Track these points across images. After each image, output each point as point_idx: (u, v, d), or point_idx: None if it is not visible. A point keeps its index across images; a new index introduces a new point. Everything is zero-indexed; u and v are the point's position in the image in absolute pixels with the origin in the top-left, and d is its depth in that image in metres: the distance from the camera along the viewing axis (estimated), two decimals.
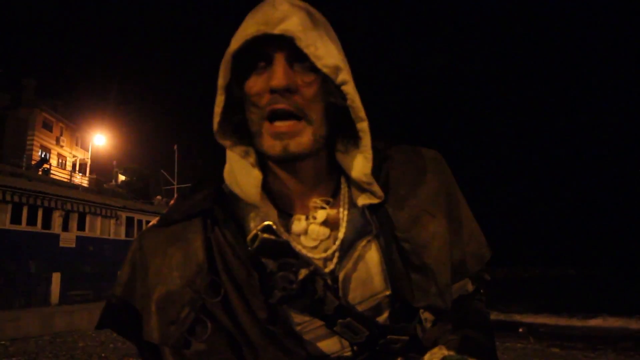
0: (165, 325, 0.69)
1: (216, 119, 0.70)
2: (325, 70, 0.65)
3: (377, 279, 0.75)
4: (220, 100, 0.69)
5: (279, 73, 0.65)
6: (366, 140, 0.71)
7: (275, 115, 0.67)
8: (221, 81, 0.68)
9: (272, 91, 0.65)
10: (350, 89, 0.67)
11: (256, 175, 0.72)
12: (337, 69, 0.66)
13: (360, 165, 0.72)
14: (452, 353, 0.64)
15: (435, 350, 0.67)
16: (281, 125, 0.67)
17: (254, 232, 0.71)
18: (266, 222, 0.72)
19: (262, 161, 0.74)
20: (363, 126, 0.69)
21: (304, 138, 0.67)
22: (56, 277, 13.89)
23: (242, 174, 0.73)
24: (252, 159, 0.73)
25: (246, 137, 0.73)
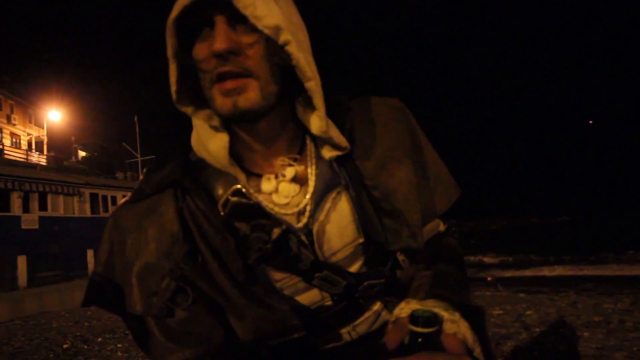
0: (147, 296, 0.71)
1: (173, 87, 0.69)
2: (266, 31, 0.64)
3: (349, 228, 0.76)
4: (172, 69, 0.68)
5: (219, 37, 0.64)
6: (316, 100, 0.70)
7: (223, 77, 0.66)
8: (169, 50, 0.67)
9: (215, 55, 0.65)
10: (293, 49, 0.66)
11: (222, 137, 0.72)
12: (277, 29, 0.65)
13: (316, 124, 0.73)
14: (419, 307, 0.66)
15: (403, 304, 0.68)
16: (229, 82, 0.66)
17: (225, 197, 0.73)
18: (235, 186, 0.73)
19: (227, 125, 0.74)
20: (311, 85, 0.69)
21: (251, 93, 0.66)
22: (22, 260, 13.51)
23: (208, 139, 0.73)
24: (215, 122, 0.72)
25: (207, 102, 0.72)
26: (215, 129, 0.72)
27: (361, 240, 0.77)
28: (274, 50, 0.67)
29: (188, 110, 0.72)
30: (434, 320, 0.58)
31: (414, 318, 0.58)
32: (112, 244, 0.76)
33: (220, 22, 0.65)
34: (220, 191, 0.75)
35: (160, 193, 0.75)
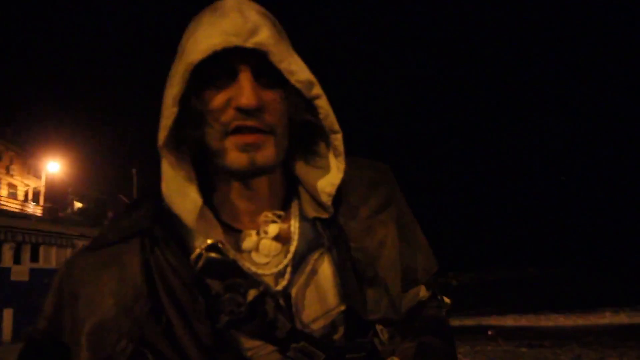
0: (99, 359, 0.63)
1: (164, 133, 0.64)
2: (298, 85, 0.64)
3: (330, 294, 0.71)
4: (171, 113, 0.63)
5: (247, 92, 0.62)
6: (340, 150, 0.70)
7: (240, 131, 0.64)
8: (175, 92, 0.63)
9: (240, 110, 0.62)
10: (323, 103, 0.66)
11: (194, 200, 0.66)
12: (310, 84, 0.65)
13: (330, 176, 0.71)
14: None
15: None
16: (249, 137, 0.63)
17: (198, 251, 0.66)
18: (211, 240, 0.67)
19: (205, 179, 0.70)
20: (338, 138, 0.68)
21: (269, 151, 0.65)
22: (8, 314, 13.11)
23: (178, 196, 0.66)
24: (192, 182, 0.67)
25: (185, 156, 0.67)
26: (190, 188, 0.67)
27: (342, 307, 0.71)
28: (297, 105, 0.66)
29: (171, 159, 0.66)
30: None
31: None
32: (61, 296, 0.68)
33: (246, 74, 0.62)
34: (193, 244, 0.68)
35: (125, 242, 0.68)
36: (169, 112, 0.63)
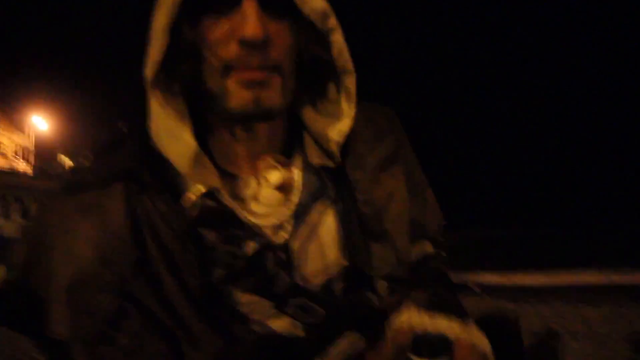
0: (78, 316, 0.57)
1: (152, 68, 0.57)
2: (312, 16, 0.57)
3: (333, 249, 0.67)
4: (160, 45, 0.56)
5: (252, 21, 0.54)
6: (352, 93, 0.64)
7: (244, 65, 0.56)
8: (164, 21, 0.55)
9: (244, 43, 0.54)
10: (338, 38, 0.60)
11: (189, 144, 0.60)
12: (325, 15, 0.58)
13: (340, 122, 0.65)
14: (423, 321, 0.52)
15: (404, 312, 0.56)
16: (256, 73, 0.56)
17: (192, 197, 0.61)
18: (206, 186, 0.61)
19: (199, 121, 0.63)
20: (351, 79, 0.63)
21: (275, 92, 0.58)
22: (1, 271, 13.25)
23: (169, 138, 0.60)
24: (186, 123, 0.60)
25: (177, 94, 0.60)
26: (184, 130, 0.61)
27: (345, 263, 0.66)
28: (308, 40, 0.60)
29: (160, 97, 0.59)
30: (444, 344, 0.45)
31: (416, 344, 0.45)
32: (34, 245, 0.61)
33: (251, 1, 0.55)
34: (186, 190, 0.62)
35: (107, 186, 0.60)
36: (158, 44, 0.56)
